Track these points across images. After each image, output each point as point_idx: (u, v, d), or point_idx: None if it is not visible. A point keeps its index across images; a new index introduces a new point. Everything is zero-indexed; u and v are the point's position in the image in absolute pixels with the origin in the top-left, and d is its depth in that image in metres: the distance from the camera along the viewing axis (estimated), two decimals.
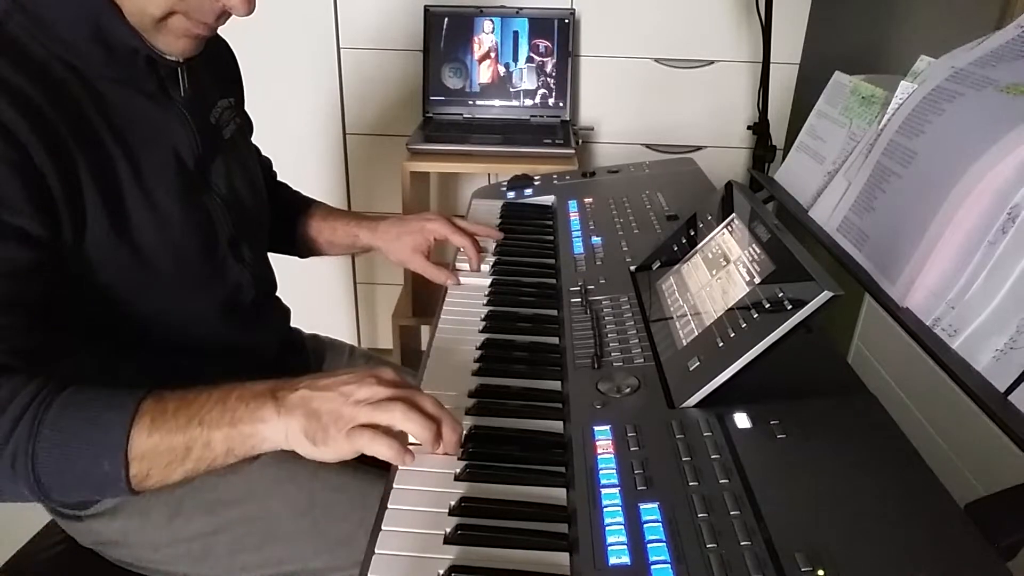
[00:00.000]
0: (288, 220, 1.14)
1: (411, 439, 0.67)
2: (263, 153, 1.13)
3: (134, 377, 0.82)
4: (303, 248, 1.17)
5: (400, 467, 0.68)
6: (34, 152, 0.66)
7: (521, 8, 1.84)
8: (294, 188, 1.20)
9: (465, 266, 1.07)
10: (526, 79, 1.88)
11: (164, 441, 0.64)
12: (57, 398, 0.64)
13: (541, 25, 1.85)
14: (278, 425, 0.65)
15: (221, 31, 0.81)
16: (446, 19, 1.85)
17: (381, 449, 0.65)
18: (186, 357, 0.86)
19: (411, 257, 1.11)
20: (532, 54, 1.86)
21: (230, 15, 0.76)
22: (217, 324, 0.88)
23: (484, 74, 1.89)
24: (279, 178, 1.18)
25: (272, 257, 1.03)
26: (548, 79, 1.87)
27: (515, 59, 1.87)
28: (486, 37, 1.86)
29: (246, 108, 1.05)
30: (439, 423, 0.68)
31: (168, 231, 0.79)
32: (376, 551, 0.60)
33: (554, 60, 1.86)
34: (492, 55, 1.87)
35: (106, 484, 0.65)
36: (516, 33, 1.86)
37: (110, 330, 0.79)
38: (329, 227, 1.15)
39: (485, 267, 1.08)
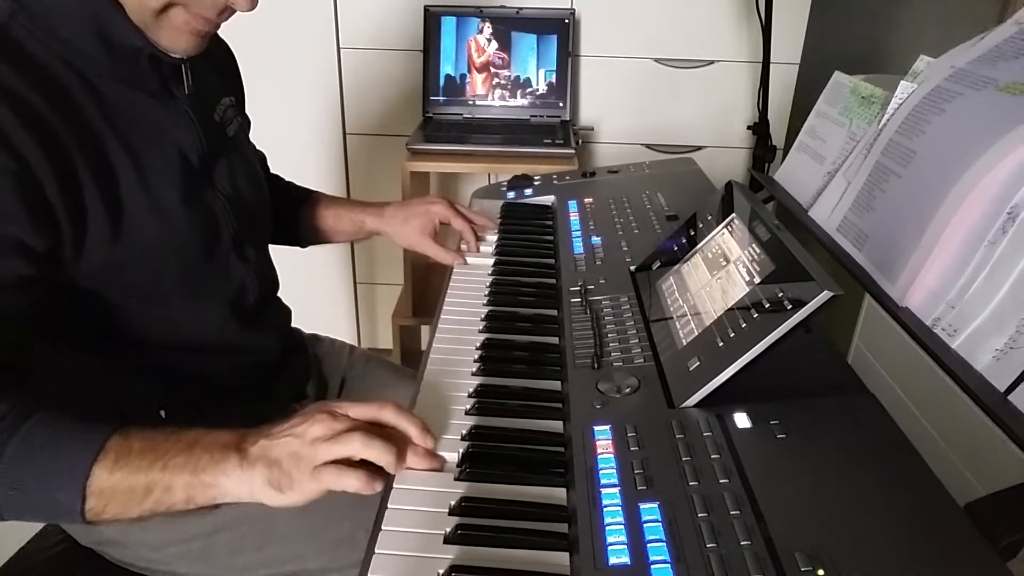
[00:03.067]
0: (289, 210, 1.14)
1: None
2: (257, 148, 1.13)
3: (137, 377, 0.83)
4: (306, 237, 1.18)
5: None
6: (33, 161, 0.66)
7: (521, 8, 1.84)
8: (288, 179, 1.20)
9: (464, 248, 1.12)
10: (526, 84, 1.88)
11: (125, 480, 0.63)
12: (23, 426, 0.63)
13: (541, 27, 1.85)
14: (241, 479, 0.64)
15: (222, 31, 0.81)
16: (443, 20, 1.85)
17: (349, 482, 0.64)
18: (189, 357, 0.86)
19: (420, 239, 1.13)
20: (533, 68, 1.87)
21: (233, 11, 0.76)
22: (221, 324, 0.88)
23: (480, 86, 1.89)
24: (274, 172, 1.18)
25: (272, 257, 1.03)
26: (548, 79, 1.87)
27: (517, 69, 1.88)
28: (485, 43, 1.86)
29: (247, 108, 1.05)
30: (402, 439, 0.68)
31: (172, 230, 0.79)
32: (376, 551, 0.60)
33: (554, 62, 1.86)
34: (492, 67, 1.87)
35: (59, 513, 0.65)
36: (518, 40, 1.86)
37: (114, 331, 0.79)
38: (333, 214, 1.16)
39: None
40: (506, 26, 1.86)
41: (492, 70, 1.88)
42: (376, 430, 0.67)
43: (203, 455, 0.65)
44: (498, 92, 1.89)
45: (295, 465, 0.64)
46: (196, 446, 0.65)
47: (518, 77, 1.88)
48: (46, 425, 0.64)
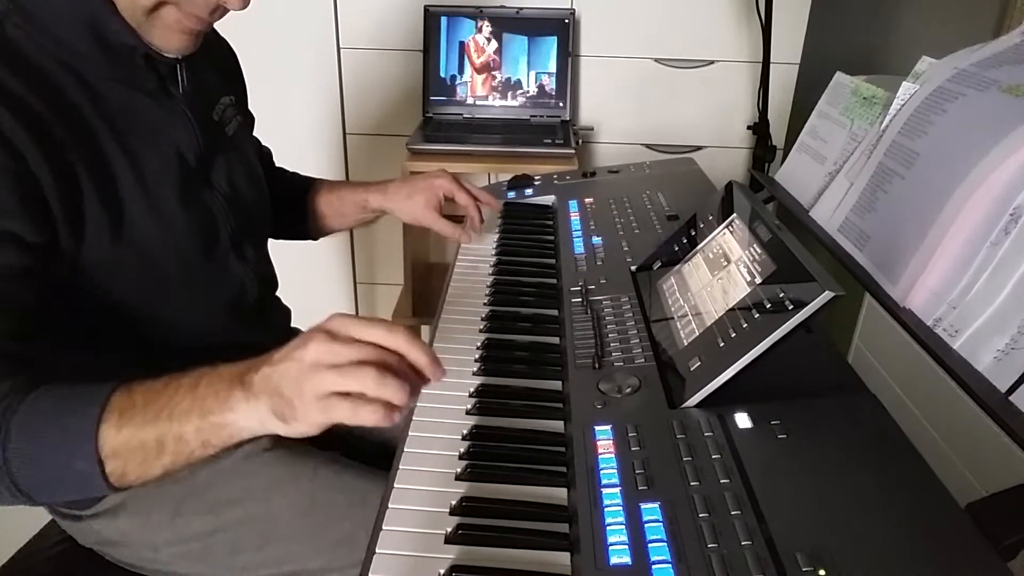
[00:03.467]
0: (297, 200, 1.14)
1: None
2: (263, 144, 1.13)
3: (134, 377, 0.82)
4: (315, 227, 1.17)
5: (401, 467, 0.68)
6: (31, 158, 0.65)
7: (521, 8, 1.84)
8: (291, 171, 1.19)
9: (467, 224, 1.13)
10: (526, 85, 1.88)
11: (135, 436, 0.60)
12: (25, 401, 0.62)
13: (541, 27, 1.85)
14: (250, 412, 0.60)
15: (221, 31, 0.81)
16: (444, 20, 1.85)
17: (367, 417, 0.57)
18: (188, 357, 0.85)
19: (424, 213, 1.12)
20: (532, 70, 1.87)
21: (225, 10, 0.75)
22: (220, 324, 0.88)
23: (481, 87, 1.89)
24: (279, 166, 1.18)
25: (272, 256, 1.03)
26: (539, 81, 1.87)
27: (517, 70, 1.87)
28: (484, 41, 1.86)
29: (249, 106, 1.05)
30: (414, 368, 0.61)
31: (170, 230, 0.79)
32: (377, 551, 0.60)
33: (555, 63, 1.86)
34: (491, 67, 1.87)
35: (86, 483, 0.62)
36: (509, 42, 1.86)
37: (112, 332, 0.79)
38: (337, 198, 1.15)
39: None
40: (500, 27, 1.85)
41: (491, 71, 1.88)
42: (385, 359, 0.59)
43: (207, 395, 0.61)
44: (498, 92, 1.89)
45: (297, 393, 0.58)
46: (199, 387, 0.62)
47: (508, 79, 1.88)
48: (47, 396, 0.62)
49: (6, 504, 0.63)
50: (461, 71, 1.88)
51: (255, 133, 1.08)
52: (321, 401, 0.57)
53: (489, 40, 1.86)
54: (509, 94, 1.89)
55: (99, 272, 0.74)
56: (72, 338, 0.77)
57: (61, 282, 0.71)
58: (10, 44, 0.69)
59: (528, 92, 1.89)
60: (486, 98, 1.89)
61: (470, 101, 1.89)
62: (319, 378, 0.58)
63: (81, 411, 0.61)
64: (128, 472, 0.62)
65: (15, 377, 0.63)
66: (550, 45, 1.86)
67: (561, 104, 1.89)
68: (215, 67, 0.93)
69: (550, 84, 1.88)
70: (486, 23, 1.85)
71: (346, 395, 0.57)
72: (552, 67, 1.87)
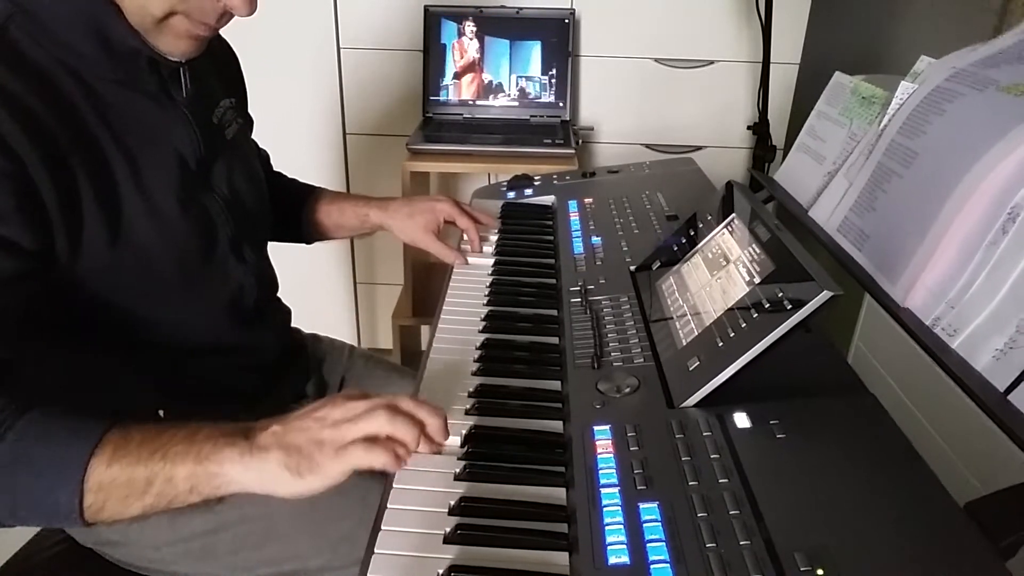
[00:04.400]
0: (294, 206, 1.14)
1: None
2: (261, 147, 1.13)
3: (136, 379, 0.83)
4: (310, 233, 1.18)
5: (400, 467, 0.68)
6: (29, 162, 0.65)
7: (521, 8, 1.84)
8: (291, 176, 1.20)
9: (466, 246, 1.13)
10: (518, 85, 1.88)
11: (124, 473, 0.61)
12: (18, 422, 0.62)
13: (541, 27, 1.85)
14: (249, 466, 0.62)
15: (222, 32, 0.81)
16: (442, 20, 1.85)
17: (378, 459, 0.63)
18: (188, 359, 0.86)
19: (423, 236, 1.13)
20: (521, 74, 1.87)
21: (231, 16, 0.76)
22: (220, 325, 0.88)
23: (466, 90, 1.88)
24: (277, 170, 1.18)
25: (272, 257, 1.03)
26: (548, 79, 1.87)
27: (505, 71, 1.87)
28: (469, 43, 1.86)
29: (249, 107, 1.05)
30: (421, 421, 0.67)
31: (169, 233, 0.79)
32: (376, 551, 0.60)
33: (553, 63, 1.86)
34: (477, 68, 1.87)
35: (57, 515, 0.62)
36: (491, 45, 1.86)
37: (113, 332, 0.79)
38: (337, 209, 1.16)
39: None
40: (484, 29, 1.84)
41: (475, 84, 1.88)
42: (396, 406, 0.66)
43: (206, 443, 0.63)
44: (498, 92, 1.89)
45: (317, 448, 0.63)
46: (199, 435, 0.64)
47: (490, 82, 1.88)
48: (41, 421, 0.63)
49: None
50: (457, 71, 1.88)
51: (255, 134, 1.08)
52: (339, 451, 0.63)
53: (472, 40, 1.86)
54: (491, 96, 1.89)
55: (98, 275, 0.74)
56: (71, 341, 0.77)
57: (57, 286, 0.71)
58: (12, 46, 0.69)
59: (509, 95, 1.88)
60: (476, 100, 1.89)
61: (470, 101, 1.89)
62: (340, 431, 0.64)
63: (75, 442, 0.62)
64: (105, 508, 0.62)
65: (7, 392, 0.63)
66: (530, 49, 1.86)
67: (561, 104, 1.89)
68: (216, 70, 0.93)
69: (531, 88, 1.88)
70: (470, 24, 1.84)
71: (361, 442, 0.63)
72: (534, 71, 1.87)
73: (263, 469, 0.63)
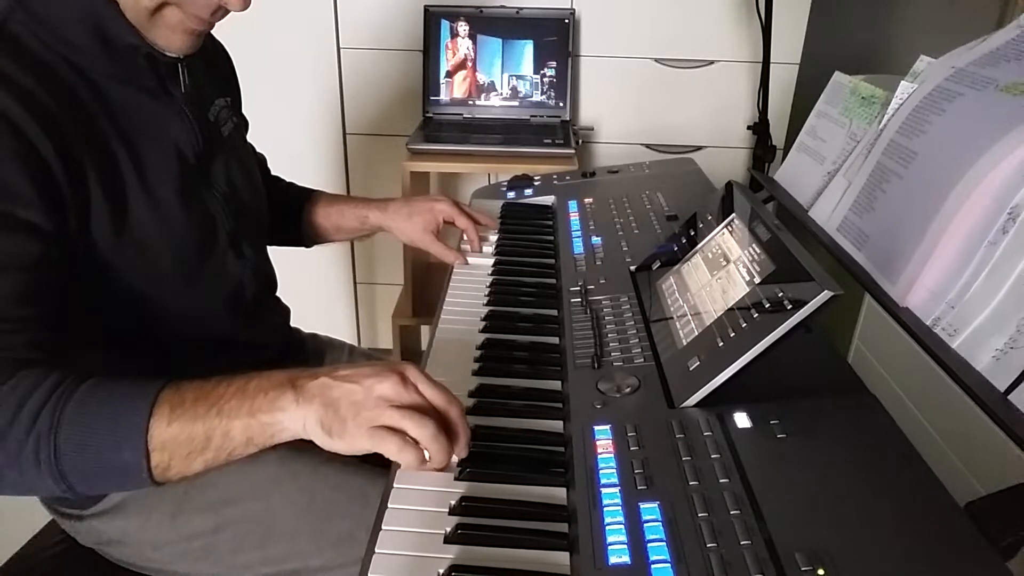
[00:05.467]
0: (293, 209, 1.15)
1: None
2: (258, 150, 1.13)
3: (135, 375, 0.83)
4: (309, 236, 1.18)
5: (400, 467, 0.68)
6: (41, 147, 0.66)
7: (521, 8, 1.84)
8: (288, 181, 1.20)
9: (466, 247, 1.13)
10: (512, 84, 1.88)
11: (184, 431, 0.63)
12: (77, 390, 0.64)
13: (541, 27, 1.85)
14: (296, 414, 0.64)
15: (221, 32, 0.81)
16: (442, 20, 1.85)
17: (407, 458, 0.63)
18: (187, 355, 0.86)
19: (422, 236, 1.13)
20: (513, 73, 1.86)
21: (226, 11, 0.76)
22: (218, 322, 0.88)
23: (459, 88, 1.88)
24: (275, 174, 1.19)
25: (272, 257, 1.03)
26: (548, 79, 1.87)
27: (500, 69, 1.87)
28: (461, 42, 1.85)
29: (246, 108, 1.05)
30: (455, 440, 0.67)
31: (169, 227, 0.79)
32: (376, 550, 0.60)
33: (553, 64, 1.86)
34: (469, 65, 1.87)
35: (128, 475, 0.64)
36: (484, 44, 1.86)
37: (112, 329, 0.79)
38: (336, 211, 1.16)
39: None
40: (476, 27, 1.84)
41: (469, 82, 1.88)
42: (442, 418, 0.66)
43: (257, 395, 0.65)
44: (497, 92, 1.89)
45: (353, 415, 0.63)
46: (248, 387, 0.65)
47: (483, 81, 1.88)
48: (99, 387, 0.65)
49: (43, 494, 0.64)
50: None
51: (252, 136, 1.08)
52: (373, 430, 0.63)
53: (464, 40, 1.86)
54: (484, 95, 1.89)
55: (100, 267, 0.74)
56: (72, 337, 0.77)
57: (70, 273, 0.72)
58: (16, 40, 0.69)
59: (501, 94, 1.88)
60: (474, 99, 1.89)
61: (470, 101, 1.89)
62: (380, 411, 0.63)
63: (133, 403, 0.64)
64: (172, 466, 0.64)
65: (62, 368, 0.65)
66: (523, 48, 1.86)
67: (561, 104, 1.89)
68: (210, 69, 0.94)
69: (522, 86, 1.88)
70: (462, 24, 1.84)
71: (397, 432, 0.63)
72: (526, 70, 1.87)
73: (307, 418, 0.64)
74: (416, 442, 0.64)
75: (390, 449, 0.63)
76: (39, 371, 0.64)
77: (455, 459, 0.68)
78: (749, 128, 1.90)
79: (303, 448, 0.90)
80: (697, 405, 0.69)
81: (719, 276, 0.79)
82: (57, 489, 0.64)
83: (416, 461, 0.64)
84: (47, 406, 0.62)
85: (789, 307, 0.66)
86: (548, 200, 1.29)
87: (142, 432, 0.63)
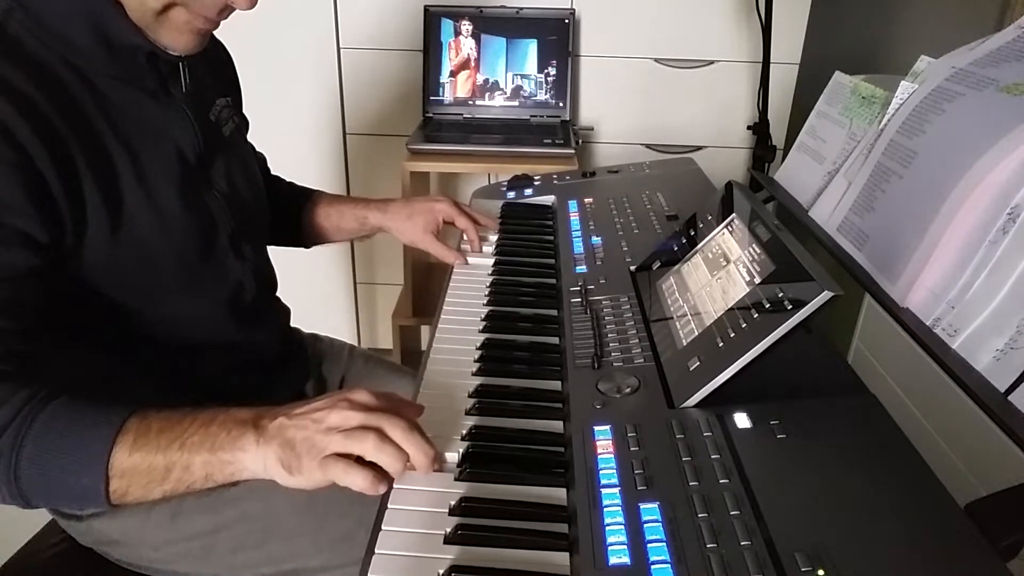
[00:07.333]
0: (292, 209, 1.15)
1: None
2: (258, 150, 1.13)
3: (135, 376, 0.83)
4: (309, 236, 1.18)
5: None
6: (35, 153, 0.66)
7: (521, 8, 1.84)
8: (289, 180, 1.20)
9: (466, 247, 1.13)
10: (514, 83, 1.88)
11: (145, 460, 0.64)
12: (44, 409, 0.64)
13: (541, 27, 1.85)
14: (257, 454, 0.65)
15: (222, 32, 0.81)
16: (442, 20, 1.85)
17: (355, 481, 0.63)
18: (187, 356, 0.86)
19: (422, 236, 1.14)
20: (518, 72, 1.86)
21: (232, 9, 0.76)
22: (219, 323, 0.88)
23: (462, 87, 1.88)
24: (275, 174, 1.19)
25: (272, 257, 1.03)
26: (548, 79, 1.87)
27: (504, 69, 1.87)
28: (464, 41, 1.85)
29: (246, 107, 1.05)
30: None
31: (169, 228, 0.79)
32: (376, 551, 0.60)
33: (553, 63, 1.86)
34: (472, 64, 1.87)
35: (86, 498, 0.65)
36: (488, 44, 1.86)
37: (112, 330, 0.79)
38: (336, 211, 1.16)
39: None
40: (480, 28, 1.84)
41: (471, 81, 1.88)
42: (390, 429, 0.65)
43: (220, 432, 0.65)
44: (498, 92, 1.89)
45: (307, 451, 0.64)
46: (213, 424, 0.66)
47: (486, 80, 1.88)
48: (67, 409, 0.65)
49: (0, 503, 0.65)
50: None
51: (252, 136, 1.08)
52: (324, 460, 0.63)
53: (467, 39, 1.86)
54: (487, 95, 1.89)
55: (99, 270, 0.74)
56: (71, 337, 0.77)
57: (63, 278, 0.72)
58: (14, 41, 0.69)
59: (505, 92, 1.88)
60: (474, 99, 1.89)
61: (470, 101, 1.89)
62: (328, 440, 0.64)
63: (98, 429, 0.65)
64: (129, 492, 0.65)
65: (32, 383, 0.65)
66: (527, 47, 1.85)
67: (561, 104, 1.89)
68: (210, 69, 0.94)
69: (526, 85, 1.88)
70: (466, 23, 1.84)
71: (344, 457, 0.64)
72: (530, 69, 1.87)
73: (267, 459, 0.65)
74: (366, 463, 0.64)
75: (338, 475, 0.63)
76: (9, 386, 0.64)
77: (450, 459, 0.68)
78: (749, 128, 1.90)
79: None
80: (697, 405, 0.69)
81: (719, 276, 0.79)
82: (12, 502, 0.65)
83: (364, 483, 0.63)
84: (13, 424, 0.63)
85: (789, 307, 0.66)
86: (548, 200, 1.29)
87: (103, 460, 0.63)
